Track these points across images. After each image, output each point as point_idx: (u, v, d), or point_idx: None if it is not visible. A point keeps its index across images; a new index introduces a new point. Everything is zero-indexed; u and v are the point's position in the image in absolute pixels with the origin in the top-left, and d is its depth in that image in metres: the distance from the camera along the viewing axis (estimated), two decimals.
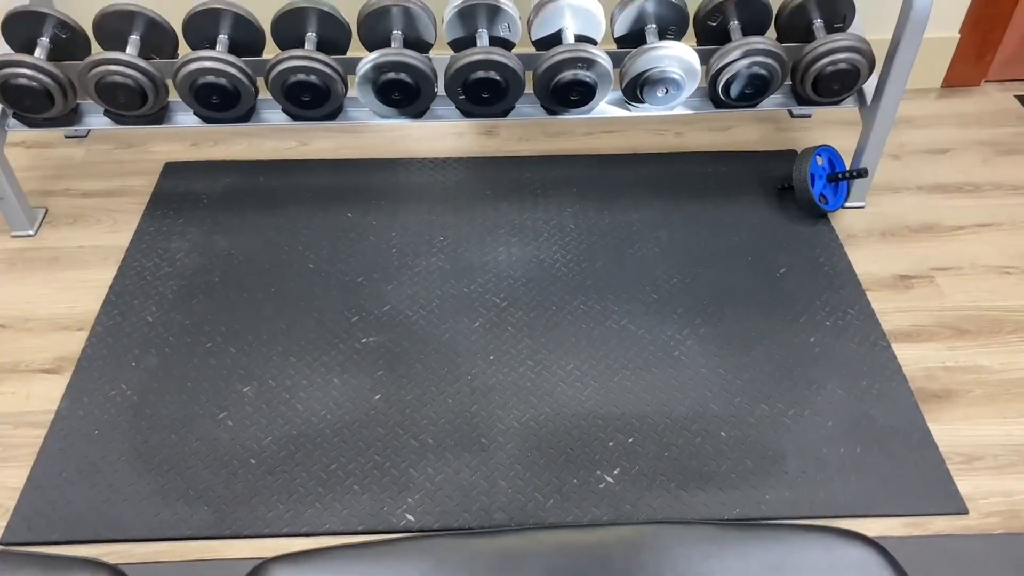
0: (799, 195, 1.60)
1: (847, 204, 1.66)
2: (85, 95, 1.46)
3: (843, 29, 1.59)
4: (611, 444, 1.25)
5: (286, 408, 1.30)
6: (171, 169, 1.75)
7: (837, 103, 1.57)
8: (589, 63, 1.45)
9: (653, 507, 1.18)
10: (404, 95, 1.47)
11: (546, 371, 1.35)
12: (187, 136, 1.84)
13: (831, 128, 1.87)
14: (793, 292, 1.48)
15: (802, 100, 1.57)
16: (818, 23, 1.56)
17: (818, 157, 1.63)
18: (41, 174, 1.75)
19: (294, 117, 1.53)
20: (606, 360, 1.37)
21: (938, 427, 1.28)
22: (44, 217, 1.65)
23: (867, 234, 1.61)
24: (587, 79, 1.46)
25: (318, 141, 1.83)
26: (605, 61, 1.45)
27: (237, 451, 1.24)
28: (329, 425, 1.28)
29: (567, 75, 1.46)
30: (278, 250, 1.56)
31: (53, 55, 1.50)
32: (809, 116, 1.90)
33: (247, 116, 1.53)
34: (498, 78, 1.45)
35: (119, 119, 1.52)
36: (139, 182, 1.73)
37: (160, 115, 1.53)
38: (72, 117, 1.52)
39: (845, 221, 1.63)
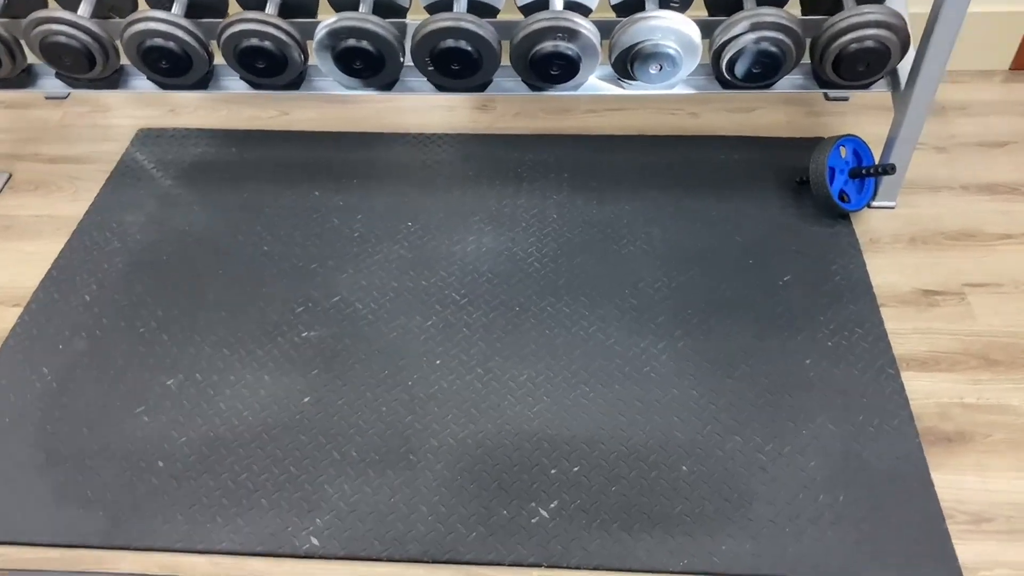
0: (815, 191, 1.40)
1: (874, 203, 1.45)
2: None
3: (879, 0, 1.37)
4: (553, 472, 1.11)
5: (208, 406, 1.20)
6: (143, 136, 1.66)
7: (865, 87, 1.35)
8: (571, 34, 1.28)
9: (588, 551, 1.03)
10: (366, 64, 1.33)
11: (495, 381, 1.21)
12: (167, 101, 1.75)
13: (871, 113, 1.64)
14: (794, 304, 1.29)
15: (824, 82, 1.36)
16: None
17: (841, 148, 1.42)
18: (14, 136, 1.68)
19: (254, 85, 1.41)
20: (565, 372, 1.22)
21: (943, 477, 1.09)
22: (7, 182, 1.58)
23: (893, 239, 1.40)
24: (568, 52, 1.29)
25: (300, 111, 1.71)
26: (590, 32, 1.28)
27: (147, 451, 1.15)
28: (249, 428, 1.17)
29: (546, 46, 1.29)
30: (235, 229, 1.45)
31: (6, 11, 1.41)
32: (846, 99, 1.68)
33: (204, 83, 1.42)
34: (468, 48, 1.29)
35: (72, 82, 1.42)
36: (110, 148, 1.64)
37: (115, 79, 1.43)
38: (24, 79, 1.43)
39: (869, 223, 1.42)
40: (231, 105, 1.73)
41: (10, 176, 1.59)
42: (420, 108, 1.70)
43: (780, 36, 1.26)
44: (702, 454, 1.12)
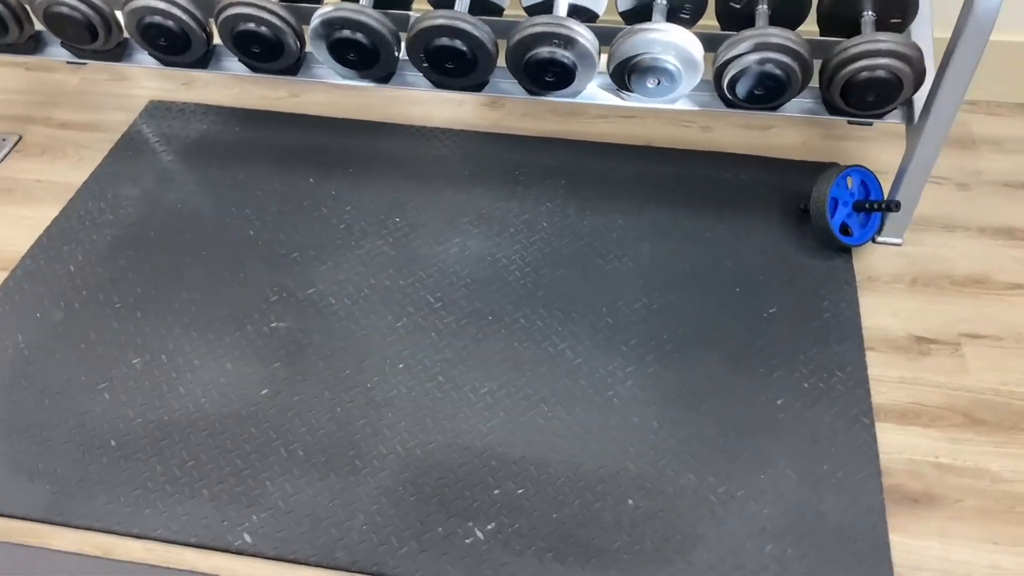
0: (814, 221, 1.34)
1: (879, 238, 1.38)
2: None
3: (901, 27, 1.30)
4: (496, 492, 1.08)
5: (168, 388, 1.20)
6: (153, 108, 1.67)
7: (877, 117, 1.29)
8: (568, 41, 1.23)
9: None
10: (360, 57, 1.31)
11: (455, 391, 1.19)
12: (182, 74, 1.75)
13: (894, 142, 1.56)
14: (776, 339, 1.24)
15: (833, 109, 1.29)
16: (868, 16, 1.28)
17: (848, 178, 1.36)
18: (30, 99, 1.71)
19: (252, 68, 1.40)
20: (526, 389, 1.19)
21: (902, 540, 1.04)
22: (16, 144, 1.60)
23: (893, 279, 1.33)
24: (564, 60, 1.25)
25: (310, 94, 1.70)
26: (587, 40, 1.23)
27: (102, 429, 1.16)
28: (204, 416, 1.17)
29: (542, 52, 1.25)
30: (224, 211, 1.45)
31: None
32: (870, 124, 1.59)
33: (204, 62, 1.41)
34: (463, 48, 1.26)
35: (77, 52, 1.44)
36: (120, 117, 1.66)
37: (118, 52, 1.43)
38: (32, 46, 1.45)
39: (870, 259, 1.36)
40: (243, 83, 1.73)
41: (20, 138, 1.62)
42: (429, 100, 1.68)
43: (785, 59, 1.20)
44: (651, 489, 1.08)
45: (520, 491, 1.08)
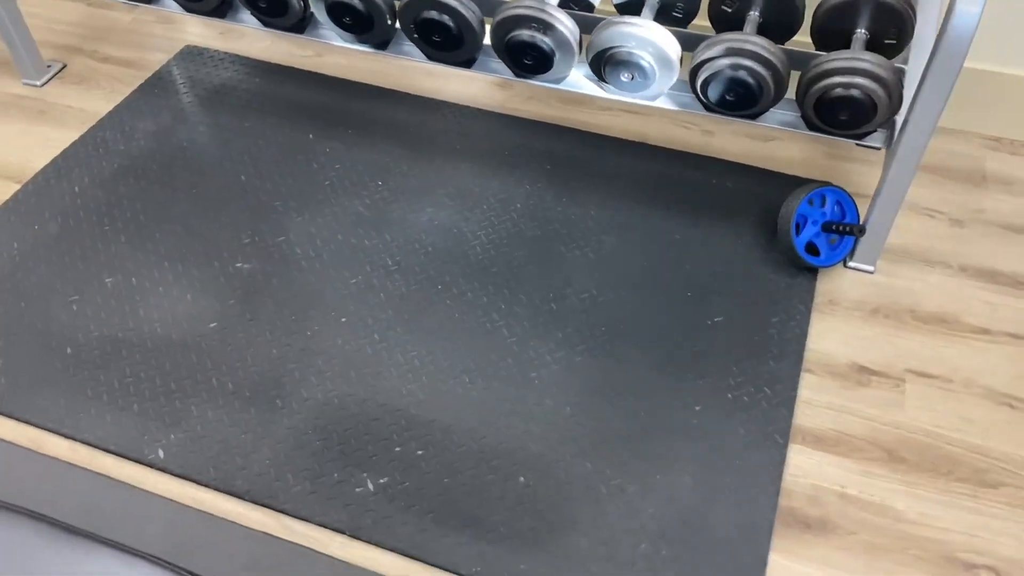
0: (779, 237, 1.31)
1: (850, 263, 1.35)
2: None
3: (897, 49, 1.26)
4: (398, 450, 1.12)
5: (129, 309, 1.29)
6: (187, 52, 1.77)
7: (855, 138, 1.25)
8: (546, 26, 1.25)
9: (393, 532, 1.04)
10: (355, 22, 1.36)
11: (386, 351, 1.23)
12: (220, 23, 1.85)
13: None
14: (713, 347, 1.23)
15: (811, 124, 1.27)
16: (860, 34, 1.24)
17: (824, 197, 1.33)
18: (83, 31, 1.83)
19: (263, 23, 1.47)
20: (452, 358, 1.22)
21: (782, 562, 1.02)
22: (59, 72, 1.73)
23: (854, 306, 1.30)
24: (542, 44, 1.26)
25: (333, 55, 1.77)
26: (567, 28, 1.25)
27: (63, 335, 1.25)
28: (154, 338, 1.25)
29: (522, 34, 1.27)
30: (224, 155, 1.54)
31: None
32: (878, 147, 1.55)
33: (221, 12, 1.49)
34: (449, 23, 1.30)
35: None
36: (156, 57, 1.76)
37: None
38: None
39: (836, 283, 1.33)
40: (274, 37, 1.81)
41: (64, 67, 1.74)
42: (441, 74, 1.72)
43: (757, 67, 1.18)
44: (545, 471, 1.10)
45: (420, 452, 1.12)
